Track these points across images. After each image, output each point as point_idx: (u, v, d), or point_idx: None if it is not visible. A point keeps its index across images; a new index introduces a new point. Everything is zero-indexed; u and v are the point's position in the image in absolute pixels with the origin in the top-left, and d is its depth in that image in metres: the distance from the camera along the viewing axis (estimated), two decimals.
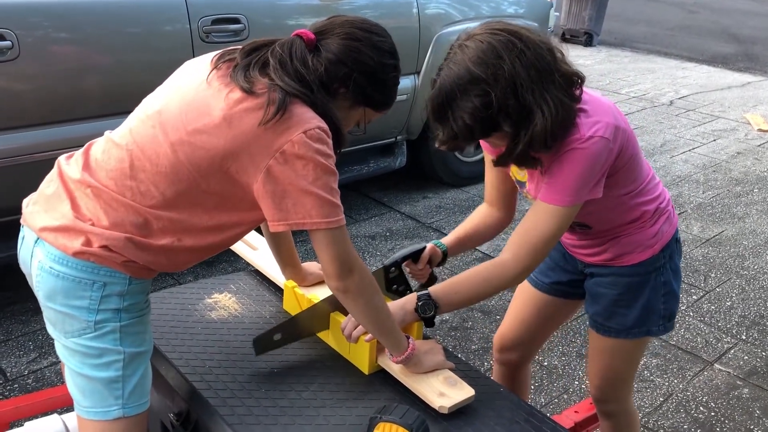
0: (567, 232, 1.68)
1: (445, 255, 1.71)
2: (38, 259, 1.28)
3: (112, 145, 1.30)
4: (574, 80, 1.38)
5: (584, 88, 1.45)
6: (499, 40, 1.32)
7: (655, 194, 1.61)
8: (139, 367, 1.32)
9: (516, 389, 2.01)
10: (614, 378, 1.77)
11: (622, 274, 1.64)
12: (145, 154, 1.25)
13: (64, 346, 1.30)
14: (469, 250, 1.80)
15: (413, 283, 1.73)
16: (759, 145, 5.59)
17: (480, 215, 1.75)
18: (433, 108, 1.37)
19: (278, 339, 1.53)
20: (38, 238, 1.28)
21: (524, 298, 1.88)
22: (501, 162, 1.45)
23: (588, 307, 1.74)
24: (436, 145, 1.42)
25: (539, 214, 1.44)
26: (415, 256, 1.67)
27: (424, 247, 1.68)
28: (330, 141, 1.25)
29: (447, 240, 1.73)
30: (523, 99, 1.31)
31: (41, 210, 1.29)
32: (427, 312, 1.47)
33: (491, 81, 1.30)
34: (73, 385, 1.32)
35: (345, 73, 1.30)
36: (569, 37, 9.35)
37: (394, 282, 1.65)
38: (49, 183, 1.33)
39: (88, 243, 1.23)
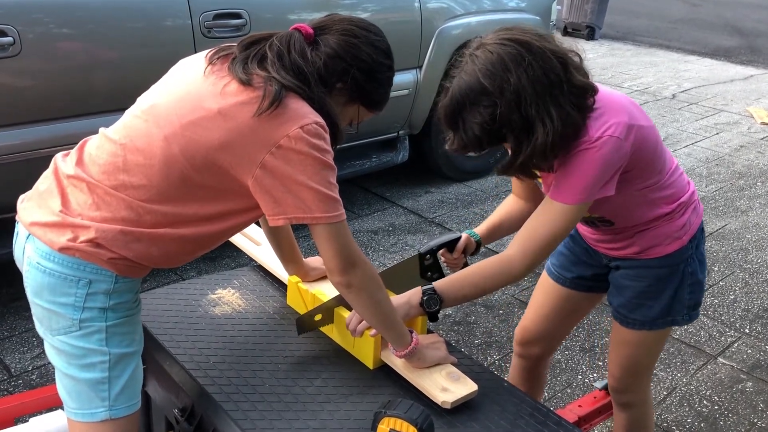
0: (590, 228, 1.68)
1: (479, 245, 1.74)
2: (28, 254, 1.28)
3: (106, 140, 1.30)
4: (586, 91, 1.37)
5: (600, 85, 1.45)
6: (508, 52, 1.32)
7: (678, 187, 1.59)
8: (127, 368, 1.32)
9: (534, 383, 2.01)
10: (635, 368, 1.77)
11: (650, 266, 1.64)
12: (139, 147, 1.25)
13: (51, 346, 1.30)
14: (502, 237, 1.82)
15: (447, 272, 1.74)
16: (762, 139, 5.57)
17: (509, 205, 1.77)
18: (445, 116, 1.40)
19: (319, 320, 1.56)
20: (29, 234, 1.28)
21: (546, 292, 1.88)
22: (503, 172, 1.46)
23: (612, 299, 1.74)
24: (447, 148, 1.45)
25: (547, 212, 1.44)
26: (450, 246, 1.70)
27: (460, 237, 1.71)
28: (327, 136, 1.25)
29: (479, 230, 1.75)
30: (525, 113, 1.33)
31: (34, 206, 1.30)
32: (432, 306, 1.47)
33: (497, 94, 1.32)
34: (61, 386, 1.32)
35: (343, 68, 1.31)
36: (571, 30, 9.33)
37: (428, 269, 1.68)
38: (44, 180, 1.33)
39: (74, 238, 1.23)
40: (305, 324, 1.56)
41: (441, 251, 1.70)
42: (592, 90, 1.39)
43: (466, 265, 1.74)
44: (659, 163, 1.53)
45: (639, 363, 1.76)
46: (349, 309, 1.51)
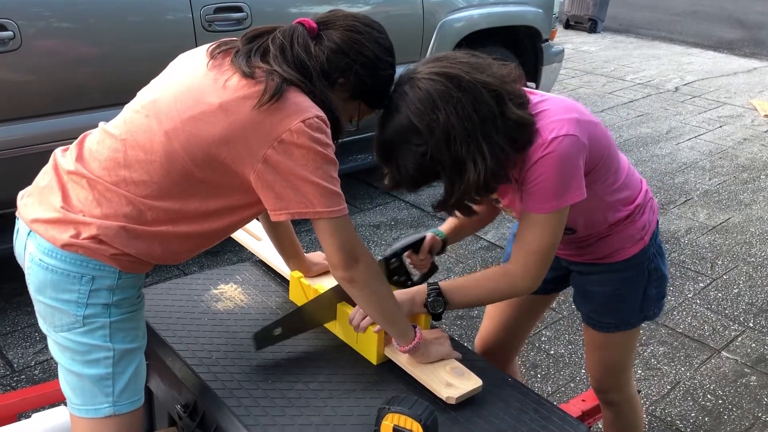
0: None
1: (445, 243, 1.71)
2: (29, 251, 1.27)
3: (106, 135, 1.29)
4: (522, 125, 1.33)
5: (540, 92, 1.42)
6: (437, 89, 1.28)
7: (633, 187, 1.57)
8: (131, 364, 1.31)
9: None
10: (614, 368, 1.76)
11: (614, 270, 1.61)
12: (139, 143, 1.24)
13: (54, 342, 1.30)
14: (467, 236, 1.78)
15: (414, 273, 1.72)
16: (765, 131, 5.55)
17: None
18: (378, 153, 1.37)
19: (279, 334, 1.52)
20: (30, 230, 1.27)
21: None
22: (439, 209, 1.42)
23: (580, 306, 1.71)
24: (384, 185, 1.41)
25: (530, 225, 1.41)
26: (415, 247, 1.67)
27: (424, 237, 1.67)
28: (328, 130, 1.24)
29: (444, 228, 1.72)
30: (455, 152, 1.29)
31: (35, 202, 1.29)
32: (437, 309, 1.46)
33: (427, 133, 1.28)
34: (64, 382, 1.32)
35: (346, 64, 1.30)
36: (573, 23, 9.30)
37: (395, 273, 1.64)
38: (44, 175, 1.32)
39: (77, 235, 1.22)
40: (265, 339, 1.51)
41: (406, 253, 1.66)
42: (530, 123, 1.34)
43: (433, 265, 1.72)
44: (614, 162, 1.49)
45: (617, 363, 1.75)
46: (352, 304, 1.50)
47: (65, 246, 1.22)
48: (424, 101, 1.28)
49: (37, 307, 1.30)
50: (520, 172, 1.38)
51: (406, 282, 1.64)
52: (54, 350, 1.31)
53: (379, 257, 1.61)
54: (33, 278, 1.27)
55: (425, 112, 1.28)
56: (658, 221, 1.66)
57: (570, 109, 1.39)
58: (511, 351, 1.95)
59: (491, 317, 1.90)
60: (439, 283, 1.48)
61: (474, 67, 1.32)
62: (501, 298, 1.51)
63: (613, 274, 1.62)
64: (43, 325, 1.31)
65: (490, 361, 1.92)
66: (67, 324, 1.26)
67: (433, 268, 1.72)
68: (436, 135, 1.28)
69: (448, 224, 1.73)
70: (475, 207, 1.42)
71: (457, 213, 1.44)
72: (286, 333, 1.54)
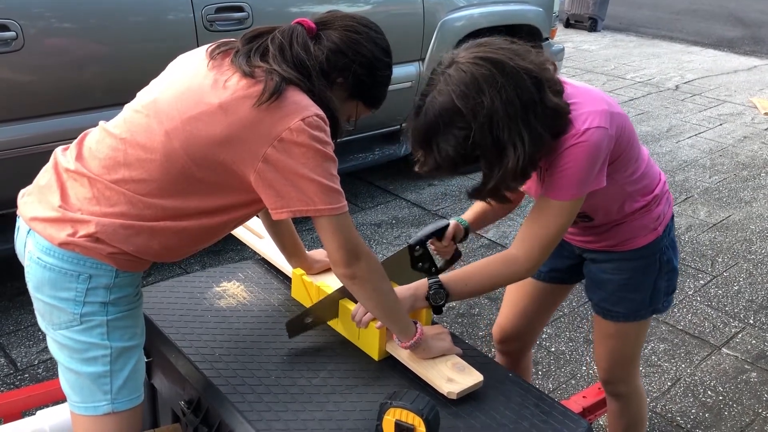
0: None
1: (467, 231, 1.74)
2: (29, 249, 1.28)
3: (106, 134, 1.30)
4: (559, 113, 1.35)
5: (571, 81, 1.44)
6: (481, 73, 1.28)
7: (651, 177, 1.59)
8: (129, 361, 1.32)
9: (519, 374, 2.02)
10: (622, 359, 1.77)
11: (627, 259, 1.64)
12: (140, 142, 1.25)
13: (53, 340, 1.31)
14: (489, 224, 1.81)
15: (438, 260, 1.73)
16: (766, 129, 5.55)
17: None
18: (418, 137, 1.36)
19: (309, 322, 1.56)
20: (30, 229, 1.28)
21: (520, 288, 1.88)
22: (474, 196, 1.43)
23: (591, 294, 1.73)
24: (416, 170, 1.41)
25: (546, 210, 1.43)
26: (439, 234, 1.69)
27: (448, 225, 1.70)
28: (328, 128, 1.25)
29: (467, 216, 1.75)
30: (497, 137, 1.30)
31: (34, 201, 1.30)
32: (438, 300, 1.47)
33: (471, 116, 1.29)
34: (63, 380, 1.33)
35: (345, 64, 1.31)
36: (574, 22, 9.30)
37: (419, 260, 1.67)
38: (44, 174, 1.33)
39: (74, 233, 1.24)
40: (295, 327, 1.55)
41: (430, 240, 1.69)
42: (566, 112, 1.36)
43: (457, 251, 1.74)
44: (635, 151, 1.52)
45: (625, 354, 1.77)
46: (354, 301, 1.51)
47: (62, 244, 1.24)
48: (469, 85, 1.29)
49: (36, 305, 1.31)
50: (547, 159, 1.40)
51: (430, 269, 1.67)
52: (53, 348, 1.32)
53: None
54: (31, 276, 1.28)
55: (470, 95, 1.28)
56: (673, 215, 1.68)
57: (600, 101, 1.41)
58: (528, 341, 1.97)
59: (509, 306, 1.92)
60: (440, 276, 1.49)
61: (516, 53, 1.33)
62: (502, 283, 1.52)
63: (626, 262, 1.64)
64: (42, 322, 1.32)
65: (508, 349, 1.96)
66: (65, 322, 1.27)
67: (457, 255, 1.74)
68: (479, 119, 1.29)
69: (471, 212, 1.76)
70: (508, 194, 1.43)
71: (491, 201, 1.45)
72: (315, 321, 1.57)
